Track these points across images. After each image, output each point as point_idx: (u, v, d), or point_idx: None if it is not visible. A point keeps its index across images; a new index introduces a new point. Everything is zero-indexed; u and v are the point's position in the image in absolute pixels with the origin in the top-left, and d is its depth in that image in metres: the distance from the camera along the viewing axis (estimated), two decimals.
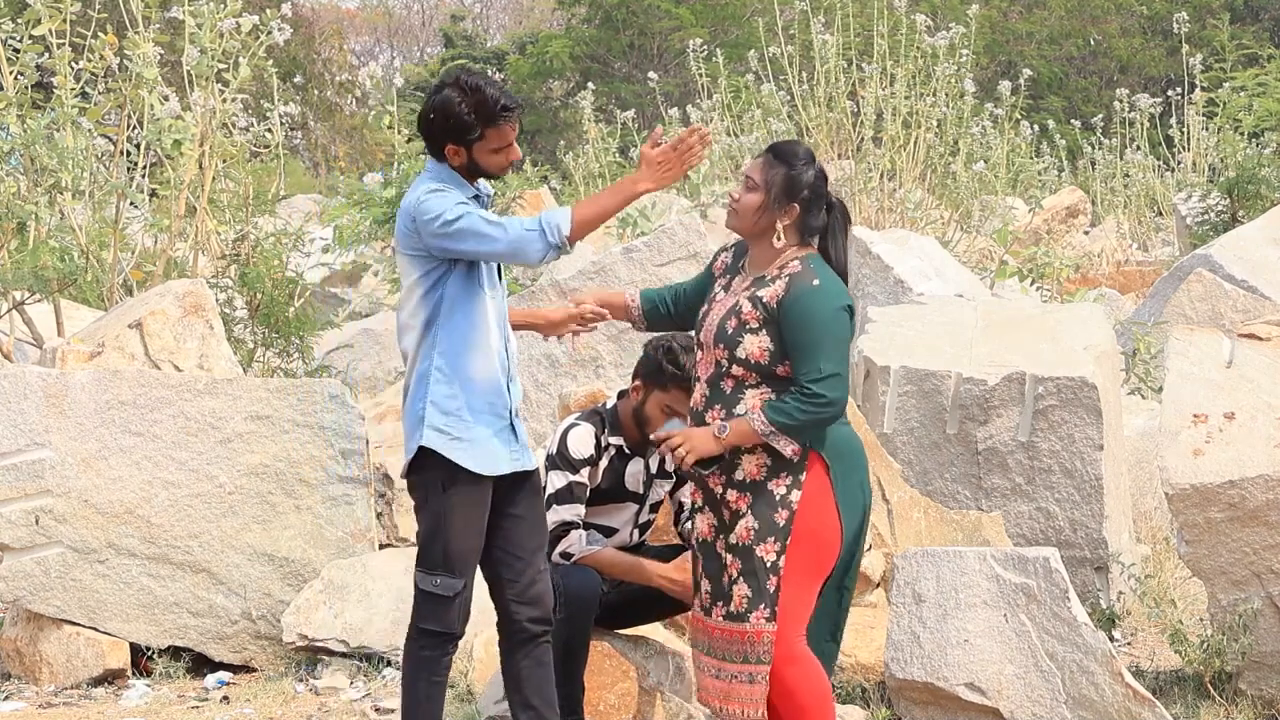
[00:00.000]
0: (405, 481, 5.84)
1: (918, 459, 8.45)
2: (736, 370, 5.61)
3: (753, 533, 5.60)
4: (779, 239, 5.68)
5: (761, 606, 5.59)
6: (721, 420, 5.61)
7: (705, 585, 5.76)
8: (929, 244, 12.46)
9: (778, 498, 5.59)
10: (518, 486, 5.80)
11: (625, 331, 10.14)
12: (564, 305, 6.18)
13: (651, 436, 6.01)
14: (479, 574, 5.81)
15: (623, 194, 5.68)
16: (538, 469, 5.92)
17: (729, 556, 5.66)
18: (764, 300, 5.60)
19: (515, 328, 6.01)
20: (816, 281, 5.58)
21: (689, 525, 6.57)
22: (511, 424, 5.75)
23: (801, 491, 5.58)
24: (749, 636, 5.61)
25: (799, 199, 5.67)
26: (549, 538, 6.05)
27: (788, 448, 5.54)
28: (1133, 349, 11.49)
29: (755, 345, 5.58)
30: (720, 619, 5.67)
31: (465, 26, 47.53)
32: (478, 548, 5.73)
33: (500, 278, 5.82)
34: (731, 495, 5.66)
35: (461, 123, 5.61)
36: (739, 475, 5.64)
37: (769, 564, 5.58)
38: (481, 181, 5.82)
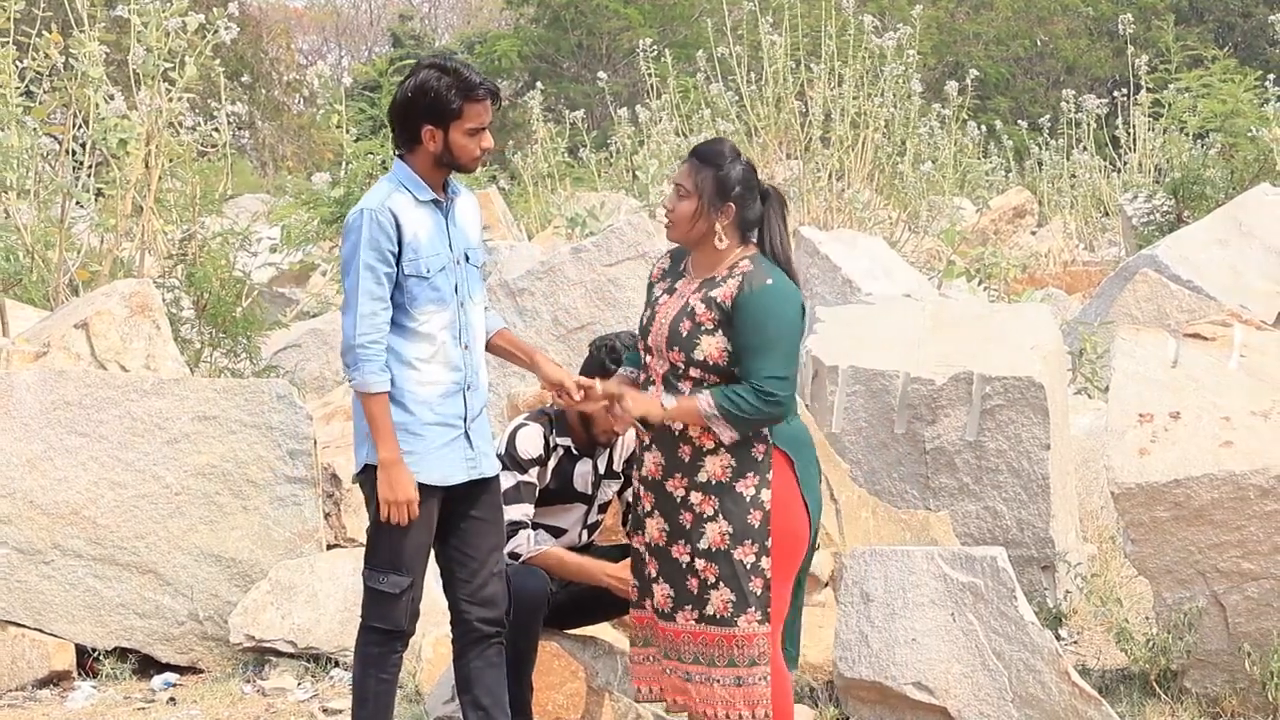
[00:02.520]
0: (355, 481, 5.83)
1: (866, 458, 8.47)
2: (694, 372, 5.56)
3: (727, 537, 5.55)
4: (720, 240, 5.63)
5: (751, 609, 5.54)
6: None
7: (664, 590, 5.69)
8: (877, 244, 12.49)
9: (748, 499, 5.54)
10: (478, 489, 5.78)
11: (573, 332, 10.12)
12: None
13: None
14: (434, 572, 5.80)
15: (385, 437, 5.54)
16: (499, 475, 5.90)
17: (701, 561, 5.59)
18: (718, 300, 5.55)
19: (511, 357, 5.97)
20: (770, 280, 5.54)
21: None
22: (467, 432, 5.72)
23: (770, 490, 5.55)
24: (737, 640, 5.57)
25: (732, 197, 5.62)
26: None
27: (725, 434, 5.50)
28: (1079, 349, 11.54)
29: (713, 346, 5.54)
30: (693, 623, 5.62)
31: (413, 26, 47.37)
32: (425, 545, 5.71)
33: (470, 289, 5.75)
34: (696, 498, 5.60)
35: (441, 98, 5.57)
36: (702, 477, 5.59)
37: (749, 566, 5.54)
38: (453, 180, 5.77)
